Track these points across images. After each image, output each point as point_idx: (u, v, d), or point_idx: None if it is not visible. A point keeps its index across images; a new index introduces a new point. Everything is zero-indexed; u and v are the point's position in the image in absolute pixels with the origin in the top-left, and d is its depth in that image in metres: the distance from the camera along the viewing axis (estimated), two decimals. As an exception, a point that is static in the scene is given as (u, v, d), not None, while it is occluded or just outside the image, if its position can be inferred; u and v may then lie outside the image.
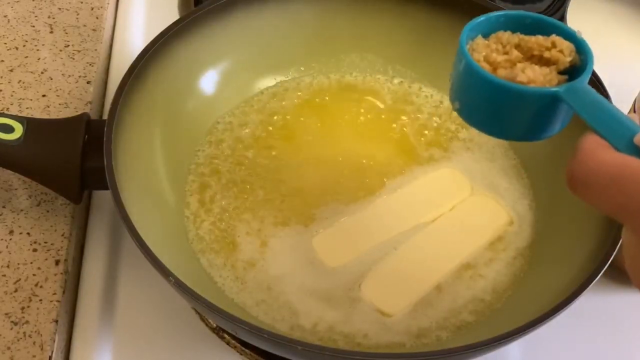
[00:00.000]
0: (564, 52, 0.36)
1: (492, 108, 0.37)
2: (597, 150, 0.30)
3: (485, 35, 0.38)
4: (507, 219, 0.52)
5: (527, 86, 0.35)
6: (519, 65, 0.36)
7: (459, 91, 0.38)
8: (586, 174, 0.30)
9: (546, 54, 0.36)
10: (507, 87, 0.35)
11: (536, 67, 0.36)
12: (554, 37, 0.37)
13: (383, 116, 0.58)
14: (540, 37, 0.37)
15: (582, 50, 0.37)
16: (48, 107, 0.59)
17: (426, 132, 0.57)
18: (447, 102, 0.58)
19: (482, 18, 0.39)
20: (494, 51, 0.37)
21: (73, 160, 0.48)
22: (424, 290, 0.48)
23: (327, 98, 0.59)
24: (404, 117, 0.58)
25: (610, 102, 0.34)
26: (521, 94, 0.35)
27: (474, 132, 0.56)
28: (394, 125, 0.57)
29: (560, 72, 0.37)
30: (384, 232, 0.50)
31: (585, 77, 0.35)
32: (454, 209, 0.52)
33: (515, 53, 0.37)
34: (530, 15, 0.38)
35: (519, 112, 0.36)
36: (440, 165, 0.55)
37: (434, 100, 0.59)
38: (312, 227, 0.51)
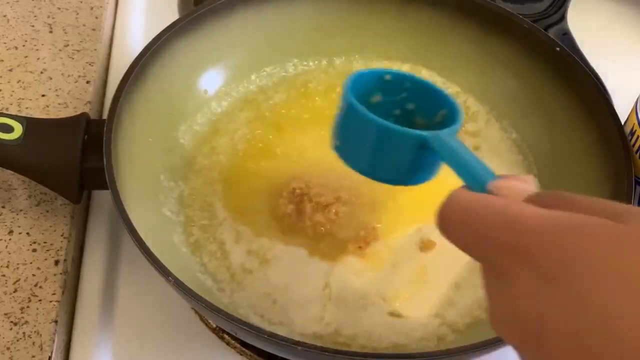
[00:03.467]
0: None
1: (365, 146, 0.38)
2: (459, 191, 0.31)
3: (364, 91, 0.40)
4: None
5: (399, 126, 0.37)
6: None
7: (337, 129, 0.40)
8: (445, 212, 0.31)
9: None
10: (380, 124, 0.37)
11: None
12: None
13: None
14: None
15: (450, 108, 0.39)
16: (47, 106, 0.58)
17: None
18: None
19: (368, 70, 0.41)
20: None
21: (72, 160, 0.48)
22: (444, 288, 0.48)
23: (327, 97, 0.58)
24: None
25: (465, 147, 0.36)
26: (392, 132, 0.37)
27: (480, 125, 0.57)
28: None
29: None
30: (392, 237, 0.50)
31: (453, 130, 0.36)
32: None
33: None
34: (412, 77, 0.41)
35: (388, 151, 0.38)
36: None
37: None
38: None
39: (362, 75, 0.40)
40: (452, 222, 0.31)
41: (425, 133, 0.36)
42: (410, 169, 0.38)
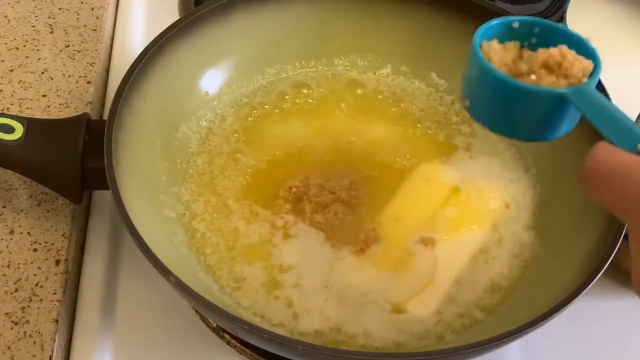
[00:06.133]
0: (574, 71, 0.37)
1: (501, 106, 0.38)
2: (606, 148, 0.32)
3: (497, 38, 0.40)
4: (501, 203, 0.52)
5: (537, 85, 0.37)
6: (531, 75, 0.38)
7: (469, 89, 0.40)
8: (592, 168, 0.31)
9: (559, 69, 0.38)
10: (518, 86, 0.37)
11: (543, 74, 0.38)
12: (564, 56, 0.38)
13: (383, 114, 0.58)
14: (550, 54, 0.38)
15: (591, 56, 0.38)
16: (48, 107, 0.59)
17: (428, 128, 0.57)
18: (447, 98, 0.59)
19: (496, 21, 0.40)
20: (507, 59, 0.39)
21: (73, 160, 0.48)
22: (446, 286, 0.48)
23: (327, 97, 0.59)
24: (404, 115, 0.58)
25: (611, 102, 0.35)
26: (531, 92, 0.37)
27: (476, 127, 0.57)
28: (395, 122, 0.57)
29: None
30: (392, 238, 0.50)
31: (593, 82, 0.36)
32: (446, 207, 0.52)
33: (525, 67, 0.39)
34: (541, 22, 0.40)
35: (527, 111, 0.38)
36: (442, 162, 0.55)
37: (434, 97, 0.59)
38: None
39: (490, 27, 0.40)
40: (598, 180, 0.31)
41: (564, 90, 0.36)
42: (548, 124, 0.38)
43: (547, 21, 0.40)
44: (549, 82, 0.37)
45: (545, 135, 0.38)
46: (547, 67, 0.38)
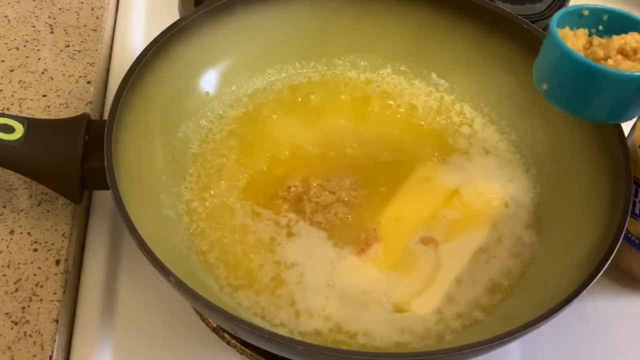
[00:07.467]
0: None
1: (584, 90, 0.41)
2: None
3: (567, 26, 0.43)
4: (501, 203, 0.52)
5: (623, 70, 0.39)
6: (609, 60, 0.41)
7: (547, 74, 0.43)
8: None
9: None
10: (606, 71, 0.39)
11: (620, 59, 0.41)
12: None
13: (383, 114, 0.58)
14: (626, 41, 0.41)
15: None
16: (48, 107, 0.59)
17: (428, 128, 0.57)
18: (447, 98, 0.58)
19: (568, 9, 0.43)
20: (578, 45, 0.42)
21: (73, 160, 0.48)
22: (446, 285, 0.48)
23: (327, 97, 0.59)
24: (404, 115, 0.58)
25: None
26: (620, 78, 0.39)
27: (477, 127, 0.57)
28: (395, 123, 0.57)
29: None
30: (393, 238, 0.50)
31: None
32: (446, 207, 0.52)
33: (602, 53, 0.41)
34: (609, 10, 0.43)
35: (610, 94, 0.40)
36: (442, 162, 0.55)
37: (434, 97, 0.59)
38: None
39: (562, 15, 0.42)
40: None
41: None
42: (626, 107, 0.41)
43: (615, 9, 0.43)
44: (628, 67, 0.40)
45: (624, 117, 0.41)
46: (623, 53, 0.41)
